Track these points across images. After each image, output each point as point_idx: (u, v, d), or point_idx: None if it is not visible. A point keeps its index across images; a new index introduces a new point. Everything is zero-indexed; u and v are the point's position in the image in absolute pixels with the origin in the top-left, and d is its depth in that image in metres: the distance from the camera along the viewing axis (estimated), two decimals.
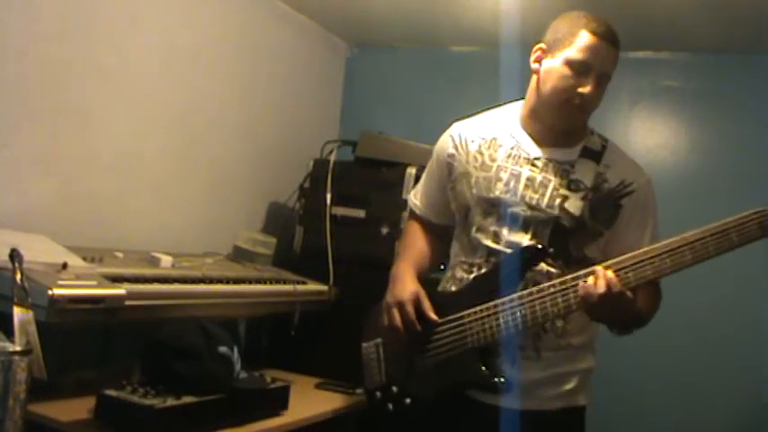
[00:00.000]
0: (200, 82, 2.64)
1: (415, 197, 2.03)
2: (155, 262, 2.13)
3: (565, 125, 1.76)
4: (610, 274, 1.56)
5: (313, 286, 2.54)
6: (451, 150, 1.88)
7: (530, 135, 1.80)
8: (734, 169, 2.79)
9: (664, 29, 2.77)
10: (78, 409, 1.79)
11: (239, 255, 2.61)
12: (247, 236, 2.69)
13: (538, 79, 1.76)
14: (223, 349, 1.88)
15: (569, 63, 1.68)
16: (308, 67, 3.26)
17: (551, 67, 1.71)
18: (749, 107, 2.80)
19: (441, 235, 1.99)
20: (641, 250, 1.59)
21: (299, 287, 2.45)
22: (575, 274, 1.64)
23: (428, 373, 1.78)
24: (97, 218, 2.26)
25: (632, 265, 1.58)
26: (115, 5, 2.27)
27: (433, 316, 1.77)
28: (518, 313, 1.66)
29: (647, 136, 3.02)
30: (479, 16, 2.84)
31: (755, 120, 2.79)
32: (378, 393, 1.87)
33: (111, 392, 1.74)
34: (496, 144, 1.82)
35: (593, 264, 1.67)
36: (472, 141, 1.85)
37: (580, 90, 1.67)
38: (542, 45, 1.76)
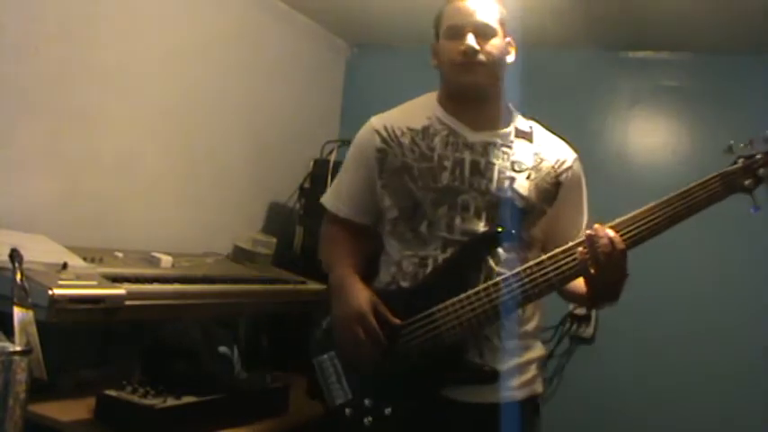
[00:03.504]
0: (200, 82, 2.64)
1: (336, 199, 1.92)
2: (155, 262, 2.13)
3: (468, 87, 1.77)
4: (611, 232, 1.57)
5: (313, 286, 2.54)
6: (380, 145, 1.82)
7: (460, 120, 1.80)
8: None
9: (664, 29, 2.77)
10: (78, 409, 1.80)
11: (239, 255, 2.61)
12: (247, 236, 2.69)
13: (438, 66, 1.81)
14: (223, 349, 1.88)
15: (446, 34, 1.77)
16: (308, 67, 3.26)
17: (437, 50, 1.81)
18: (749, 107, 2.80)
19: (365, 236, 1.91)
20: (630, 215, 1.61)
21: (299, 287, 2.45)
22: (551, 254, 1.63)
23: (404, 377, 1.69)
24: (97, 218, 2.26)
25: (627, 226, 1.59)
26: (115, 5, 2.27)
27: (397, 321, 1.68)
28: (497, 301, 1.63)
29: (646, 136, 3.02)
30: None
31: (755, 120, 2.79)
32: (347, 410, 1.72)
33: (111, 392, 1.75)
34: (429, 133, 1.80)
35: (539, 244, 1.74)
36: (402, 134, 1.82)
37: (461, 48, 1.72)
38: (432, 45, 1.83)
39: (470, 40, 1.71)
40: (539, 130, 1.86)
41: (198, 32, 2.61)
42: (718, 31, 2.70)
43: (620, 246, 1.56)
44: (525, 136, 1.81)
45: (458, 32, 1.73)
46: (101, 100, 2.26)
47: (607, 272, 1.57)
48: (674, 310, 2.85)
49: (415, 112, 1.86)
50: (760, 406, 2.69)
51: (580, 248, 1.59)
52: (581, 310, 2.94)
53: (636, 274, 2.95)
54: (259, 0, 2.91)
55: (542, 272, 1.62)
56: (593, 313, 2.95)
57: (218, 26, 2.71)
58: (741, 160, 1.63)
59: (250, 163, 2.92)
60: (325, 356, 1.78)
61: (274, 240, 2.73)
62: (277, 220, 3.01)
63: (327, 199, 1.94)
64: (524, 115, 1.87)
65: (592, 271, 1.58)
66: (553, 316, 2.94)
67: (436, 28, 1.82)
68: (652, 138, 3.00)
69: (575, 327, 2.97)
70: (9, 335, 1.34)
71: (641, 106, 3.03)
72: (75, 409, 1.79)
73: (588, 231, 1.59)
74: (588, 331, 2.96)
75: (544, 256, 1.64)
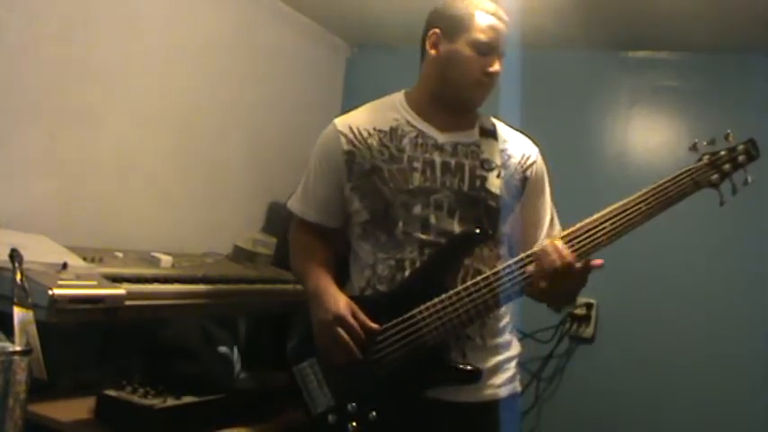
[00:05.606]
0: (200, 81, 2.64)
1: (303, 204, 1.90)
2: (155, 262, 2.13)
3: (476, 104, 1.80)
4: (558, 243, 1.59)
5: None
6: (347, 147, 1.79)
7: (428, 122, 1.80)
8: None
9: (663, 29, 2.77)
10: (78, 409, 1.80)
11: (239, 255, 2.61)
12: (247, 236, 2.69)
13: (438, 64, 1.78)
14: (223, 349, 1.88)
15: (474, 45, 1.72)
16: (308, 67, 3.26)
17: (454, 51, 1.74)
18: (748, 107, 2.80)
19: (334, 240, 1.91)
20: (589, 219, 1.63)
21: (299, 287, 2.45)
22: (527, 254, 1.64)
23: (388, 381, 1.68)
24: (97, 218, 2.26)
25: (584, 234, 1.61)
26: (115, 6, 2.27)
27: (375, 326, 1.68)
28: (479, 300, 1.64)
29: (646, 136, 3.02)
30: None
31: (755, 120, 2.78)
32: (330, 416, 1.71)
33: (111, 392, 1.75)
34: (398, 134, 1.79)
35: (507, 239, 1.77)
36: (369, 135, 1.79)
37: (490, 70, 1.73)
38: (436, 30, 1.78)
39: (498, 66, 1.74)
40: (502, 128, 1.87)
41: (197, 32, 2.61)
42: (718, 31, 2.70)
43: (568, 259, 1.58)
44: (490, 134, 1.83)
45: (489, 51, 1.73)
46: (100, 100, 2.26)
47: (558, 284, 1.60)
48: (675, 310, 2.85)
49: (381, 112, 1.85)
50: (761, 405, 2.69)
51: (531, 266, 1.62)
52: (581, 310, 2.95)
53: (636, 274, 2.96)
54: (259, 0, 2.91)
55: (521, 270, 1.64)
56: (593, 313, 2.95)
57: (217, 26, 2.71)
58: (706, 157, 1.70)
59: (250, 163, 2.92)
60: (305, 364, 1.76)
61: (274, 240, 2.73)
62: (277, 220, 3.00)
63: (294, 204, 1.93)
64: (487, 114, 1.88)
65: (542, 285, 1.60)
66: (553, 316, 2.94)
67: (453, 21, 1.75)
68: (652, 138, 3.00)
69: (575, 327, 2.97)
70: (9, 335, 1.34)
71: (641, 106, 3.03)
72: (75, 409, 1.79)
73: (535, 249, 1.62)
74: (588, 331, 2.96)
75: (510, 261, 1.66)
